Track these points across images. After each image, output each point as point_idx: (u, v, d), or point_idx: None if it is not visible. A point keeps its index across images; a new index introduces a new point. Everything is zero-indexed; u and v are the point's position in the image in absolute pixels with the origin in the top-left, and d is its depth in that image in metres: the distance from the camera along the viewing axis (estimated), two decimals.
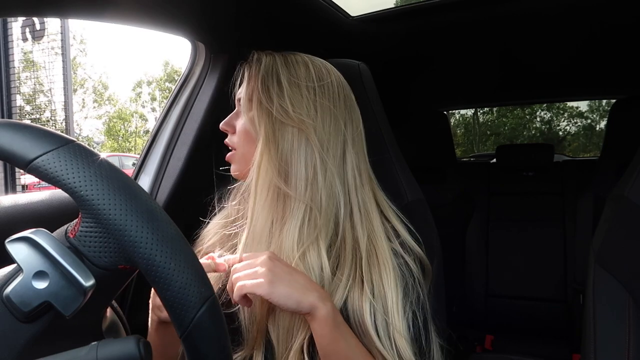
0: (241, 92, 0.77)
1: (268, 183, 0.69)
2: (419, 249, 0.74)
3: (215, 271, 0.68)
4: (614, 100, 2.00)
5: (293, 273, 0.62)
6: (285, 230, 0.69)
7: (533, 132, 16.82)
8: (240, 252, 0.68)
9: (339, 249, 0.70)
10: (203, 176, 0.96)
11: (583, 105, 15.68)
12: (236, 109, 0.79)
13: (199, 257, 0.77)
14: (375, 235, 0.71)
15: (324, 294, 0.63)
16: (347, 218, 0.71)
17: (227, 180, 0.82)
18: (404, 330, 0.66)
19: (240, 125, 0.76)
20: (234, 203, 0.79)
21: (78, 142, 0.39)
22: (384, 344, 0.65)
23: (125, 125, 20.44)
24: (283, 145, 0.69)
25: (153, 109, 21.30)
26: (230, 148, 0.79)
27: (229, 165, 0.79)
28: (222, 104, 1.12)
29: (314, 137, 0.69)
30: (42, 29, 3.87)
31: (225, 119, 0.78)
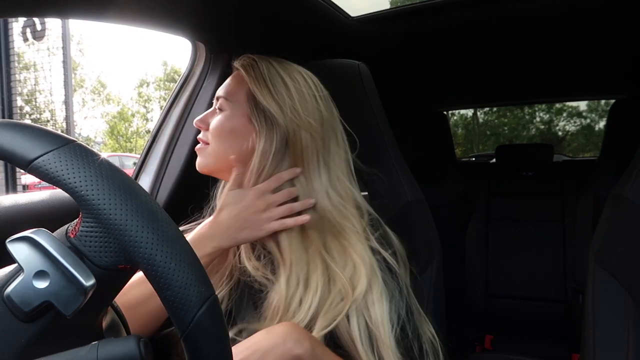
0: (222, 91, 0.77)
1: None
2: (398, 242, 0.73)
3: None
4: (614, 100, 2.00)
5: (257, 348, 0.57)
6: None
7: (533, 132, 16.79)
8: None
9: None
10: (203, 176, 0.96)
11: (582, 105, 15.67)
12: (214, 106, 0.78)
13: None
14: (349, 242, 0.69)
15: (296, 335, 0.58)
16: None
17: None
18: (389, 334, 0.64)
19: (215, 122, 0.75)
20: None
21: (78, 142, 0.39)
22: (367, 350, 0.63)
23: (126, 125, 20.39)
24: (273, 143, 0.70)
25: (151, 110, 21.26)
26: (200, 142, 0.78)
27: None
28: None
29: (309, 134, 0.70)
30: (43, 29, 3.87)
31: (201, 117, 0.78)
